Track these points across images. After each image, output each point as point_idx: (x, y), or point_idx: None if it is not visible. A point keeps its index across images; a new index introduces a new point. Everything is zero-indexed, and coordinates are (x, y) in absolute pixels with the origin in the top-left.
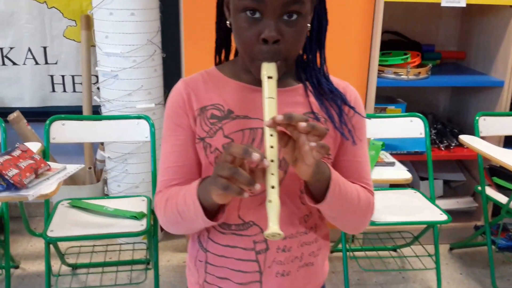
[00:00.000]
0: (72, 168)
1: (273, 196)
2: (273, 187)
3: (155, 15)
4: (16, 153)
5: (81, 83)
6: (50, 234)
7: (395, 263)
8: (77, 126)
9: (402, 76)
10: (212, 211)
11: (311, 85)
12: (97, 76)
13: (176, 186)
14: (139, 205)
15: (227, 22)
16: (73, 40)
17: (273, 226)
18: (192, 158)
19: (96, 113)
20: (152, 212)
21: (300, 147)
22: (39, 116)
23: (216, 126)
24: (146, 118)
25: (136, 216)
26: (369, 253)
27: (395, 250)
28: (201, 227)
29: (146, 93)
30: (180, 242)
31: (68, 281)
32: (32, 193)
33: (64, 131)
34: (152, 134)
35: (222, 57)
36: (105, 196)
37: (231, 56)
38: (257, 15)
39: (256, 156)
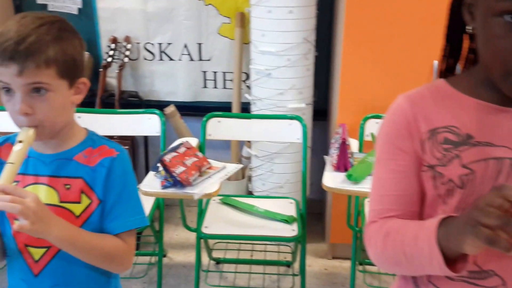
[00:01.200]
0: (232, 168)
1: None
2: None
3: (312, 13)
4: (181, 150)
5: (231, 80)
6: (205, 230)
7: None
8: (232, 123)
9: None
10: (450, 258)
11: None
12: (247, 74)
13: (394, 218)
14: (287, 208)
15: (467, 28)
16: (227, 37)
17: None
18: (414, 187)
19: (244, 110)
20: (301, 216)
21: None
22: (190, 110)
23: (451, 153)
24: (299, 119)
25: (287, 220)
26: None
27: None
28: (432, 273)
29: (297, 93)
30: (321, 247)
31: (213, 276)
32: (197, 192)
33: (219, 128)
34: (304, 135)
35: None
36: (250, 193)
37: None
38: None
39: None
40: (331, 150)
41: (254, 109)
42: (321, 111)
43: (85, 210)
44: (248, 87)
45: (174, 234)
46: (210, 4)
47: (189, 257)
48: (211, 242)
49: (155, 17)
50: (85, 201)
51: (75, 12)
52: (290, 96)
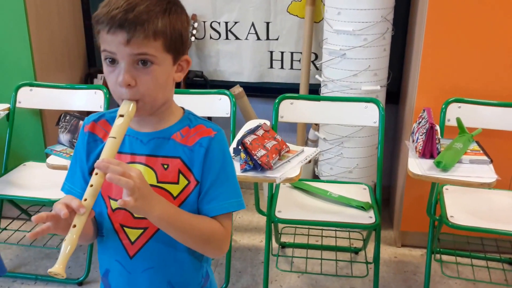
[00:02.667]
0: (311, 152)
1: None
2: None
3: None
4: (260, 132)
5: (298, 61)
6: (278, 215)
7: None
8: (304, 105)
9: None
10: None
11: None
12: (315, 54)
13: None
14: (361, 194)
15: None
16: (296, 16)
17: None
18: None
19: (312, 91)
20: (376, 203)
21: None
22: (255, 91)
23: None
24: (376, 102)
25: (363, 207)
26: None
27: None
28: None
29: (372, 74)
30: (388, 234)
31: (281, 260)
32: (279, 176)
33: (292, 110)
34: (382, 119)
35: None
36: (315, 177)
37: None
38: None
39: None
40: (415, 135)
41: (325, 91)
42: (392, 93)
43: (182, 191)
44: (317, 68)
45: (237, 216)
46: None
47: (254, 240)
48: (279, 226)
49: None
50: (183, 181)
51: None
52: (364, 78)
